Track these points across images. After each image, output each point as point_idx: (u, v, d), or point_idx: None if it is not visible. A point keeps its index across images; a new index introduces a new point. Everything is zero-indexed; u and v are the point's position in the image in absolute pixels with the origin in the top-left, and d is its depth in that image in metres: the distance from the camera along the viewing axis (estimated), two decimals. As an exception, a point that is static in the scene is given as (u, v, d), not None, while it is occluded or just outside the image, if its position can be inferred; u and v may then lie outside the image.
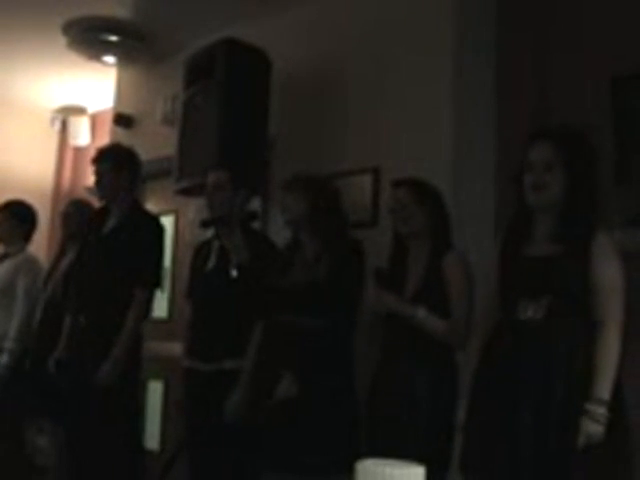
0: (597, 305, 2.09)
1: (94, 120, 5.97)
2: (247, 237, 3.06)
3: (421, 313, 2.46)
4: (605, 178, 2.75)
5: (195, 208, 4.13)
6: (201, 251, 3.24)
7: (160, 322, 4.27)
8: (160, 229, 3.41)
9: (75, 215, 3.94)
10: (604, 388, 2.01)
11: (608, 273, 2.10)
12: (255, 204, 3.57)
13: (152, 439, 4.28)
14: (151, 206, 4.53)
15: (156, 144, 4.46)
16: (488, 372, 2.23)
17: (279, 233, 3.18)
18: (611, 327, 2.06)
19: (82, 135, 5.96)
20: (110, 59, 4.70)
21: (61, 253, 4.01)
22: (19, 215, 4.10)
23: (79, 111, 5.94)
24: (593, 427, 1.98)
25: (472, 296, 2.54)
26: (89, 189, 5.55)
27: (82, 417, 3.20)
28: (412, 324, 2.47)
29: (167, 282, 4.38)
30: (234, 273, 2.92)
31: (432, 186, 2.68)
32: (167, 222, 4.17)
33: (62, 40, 4.49)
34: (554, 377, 2.06)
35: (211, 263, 3.11)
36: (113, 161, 3.40)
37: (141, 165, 3.54)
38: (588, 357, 2.05)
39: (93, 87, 5.45)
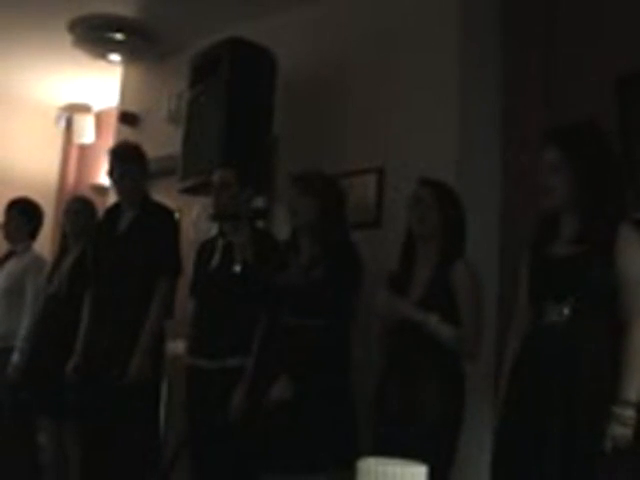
0: (622, 302, 2.04)
1: (99, 118, 5.98)
2: (252, 235, 3.07)
3: (433, 320, 2.45)
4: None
5: (199, 207, 4.14)
6: (205, 249, 3.25)
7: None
8: (174, 220, 3.47)
9: (78, 212, 3.95)
10: (631, 389, 1.97)
11: (633, 268, 2.05)
12: (260, 203, 3.57)
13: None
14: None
15: (161, 142, 4.46)
16: (518, 376, 2.21)
17: (283, 231, 3.18)
18: (637, 325, 2.01)
19: (87, 133, 5.96)
20: (115, 57, 4.71)
21: (64, 250, 4.01)
22: (26, 213, 4.10)
23: (84, 109, 5.94)
24: (620, 430, 1.94)
25: (481, 305, 2.53)
26: (95, 187, 5.58)
27: (104, 416, 3.19)
28: (422, 330, 2.46)
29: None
30: (237, 269, 2.93)
31: (455, 192, 2.67)
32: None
33: (67, 38, 4.50)
34: (580, 380, 2.03)
35: (215, 261, 3.12)
36: (139, 162, 3.44)
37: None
38: (615, 359, 2.01)
39: (98, 85, 5.46)
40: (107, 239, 3.44)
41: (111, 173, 3.47)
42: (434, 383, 2.45)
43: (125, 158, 3.43)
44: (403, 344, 2.56)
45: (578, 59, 3.06)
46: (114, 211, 3.51)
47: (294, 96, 3.83)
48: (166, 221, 3.43)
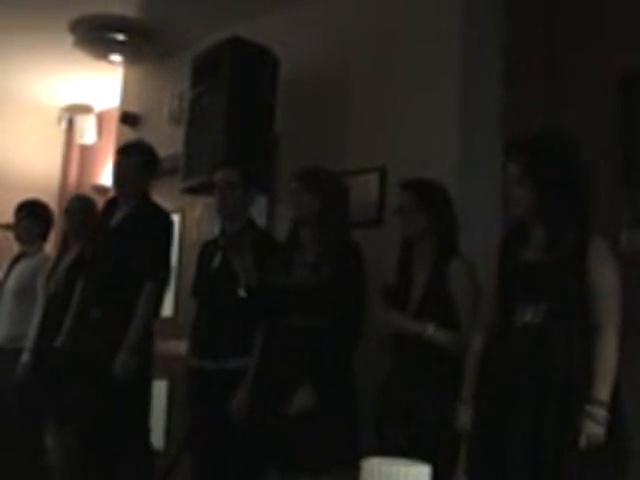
0: (595, 309, 2.12)
1: (100, 118, 5.99)
2: (254, 237, 3.05)
3: (430, 329, 2.47)
4: (613, 178, 2.75)
5: (201, 207, 4.14)
6: (207, 250, 3.24)
7: (166, 320, 4.27)
8: (169, 222, 3.42)
9: (78, 211, 3.96)
10: (603, 390, 2.04)
11: (605, 277, 2.13)
12: (262, 202, 3.57)
13: (156, 438, 4.28)
14: (157, 205, 4.53)
15: (162, 143, 4.44)
16: (490, 375, 2.24)
17: (285, 231, 3.17)
18: (609, 330, 2.09)
19: (88, 133, 5.97)
20: (117, 57, 4.71)
21: (64, 249, 4.02)
22: (36, 215, 4.13)
23: (86, 109, 5.95)
24: (593, 428, 2.01)
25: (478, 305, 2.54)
26: (96, 187, 5.58)
27: (91, 414, 3.17)
28: (422, 340, 2.48)
29: (173, 281, 4.38)
30: (242, 294, 2.90)
31: (439, 188, 2.67)
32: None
33: (69, 38, 4.51)
34: (552, 380, 2.08)
35: (217, 261, 3.11)
36: (141, 157, 3.43)
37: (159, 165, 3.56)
38: (586, 360, 2.08)
39: (100, 85, 5.47)
40: (102, 234, 3.45)
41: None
42: (435, 386, 2.46)
43: (127, 150, 3.46)
44: (403, 352, 2.57)
45: (580, 58, 3.05)
46: (111, 205, 3.51)
47: (296, 95, 3.83)
48: (157, 223, 3.37)
